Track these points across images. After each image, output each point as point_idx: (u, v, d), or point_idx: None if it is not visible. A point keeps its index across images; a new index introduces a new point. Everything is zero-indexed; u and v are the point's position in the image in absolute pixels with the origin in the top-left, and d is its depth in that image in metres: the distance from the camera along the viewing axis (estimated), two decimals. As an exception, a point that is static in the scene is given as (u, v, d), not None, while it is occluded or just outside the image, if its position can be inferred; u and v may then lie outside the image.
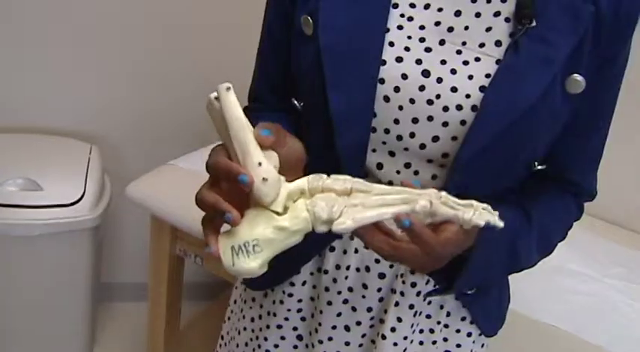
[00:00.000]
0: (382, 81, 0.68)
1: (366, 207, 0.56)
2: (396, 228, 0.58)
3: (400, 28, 0.69)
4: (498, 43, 0.68)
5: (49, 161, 1.68)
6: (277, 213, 0.56)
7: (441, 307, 0.79)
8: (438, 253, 0.59)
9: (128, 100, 1.83)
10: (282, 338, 0.84)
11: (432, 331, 0.80)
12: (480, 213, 0.56)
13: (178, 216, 1.38)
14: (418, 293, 0.76)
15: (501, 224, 0.58)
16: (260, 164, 0.55)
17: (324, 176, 0.58)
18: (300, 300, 0.81)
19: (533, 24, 0.66)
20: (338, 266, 0.77)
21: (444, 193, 0.58)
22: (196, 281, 1.93)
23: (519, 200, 0.72)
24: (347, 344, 0.80)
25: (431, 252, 0.59)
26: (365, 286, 0.77)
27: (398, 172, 0.72)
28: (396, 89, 0.68)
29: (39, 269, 1.65)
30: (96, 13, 1.70)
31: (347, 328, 0.79)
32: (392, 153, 0.70)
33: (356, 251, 0.76)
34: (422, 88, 0.68)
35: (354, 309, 0.79)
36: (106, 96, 1.81)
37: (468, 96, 0.67)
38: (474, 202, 0.58)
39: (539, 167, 0.74)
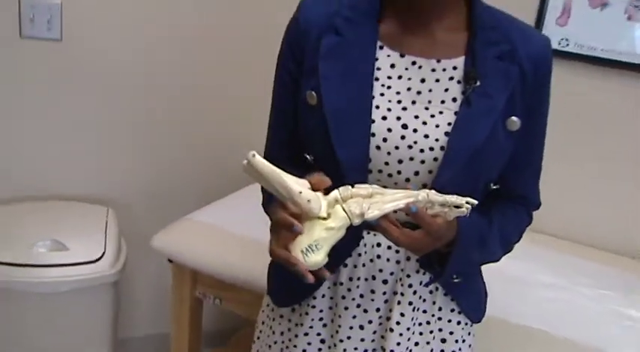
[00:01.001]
0: (373, 134, 0.91)
1: (385, 202, 0.80)
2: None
3: (382, 95, 0.93)
4: (454, 100, 0.93)
5: (73, 223, 1.86)
6: (324, 219, 0.79)
7: (434, 303, 1.00)
8: (434, 232, 0.83)
9: (137, 165, 2.04)
10: (309, 343, 1.04)
11: (428, 322, 1.01)
12: (458, 205, 0.83)
13: (198, 261, 1.58)
14: (415, 293, 0.98)
15: (469, 209, 0.83)
16: (300, 192, 0.78)
17: (349, 187, 0.82)
18: (321, 310, 1.02)
19: (478, 84, 0.91)
20: (350, 279, 0.99)
21: (432, 190, 0.83)
22: (212, 328, 2.09)
23: (483, 210, 0.95)
24: (362, 340, 1.00)
25: (430, 231, 0.83)
26: (373, 291, 0.99)
27: None
28: (384, 140, 0.92)
29: (64, 324, 1.79)
30: (103, 88, 1.92)
31: (361, 327, 1.00)
32: (384, 187, 0.93)
33: (363, 265, 0.98)
34: (403, 137, 0.91)
35: (365, 311, 1.00)
36: (117, 163, 2.01)
37: (437, 140, 0.91)
38: (455, 196, 0.84)
39: (494, 187, 0.98)
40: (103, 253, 1.78)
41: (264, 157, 0.83)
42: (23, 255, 1.69)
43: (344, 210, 0.80)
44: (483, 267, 1.08)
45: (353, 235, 0.91)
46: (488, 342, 1.16)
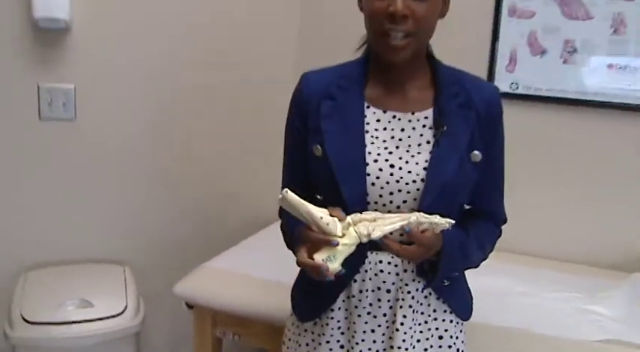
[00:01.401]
0: (368, 174, 1.17)
1: (385, 225, 1.05)
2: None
3: (372, 143, 1.19)
4: (428, 142, 1.19)
5: (96, 282, 2.05)
6: (340, 237, 1.04)
7: (429, 305, 1.23)
8: (425, 245, 1.08)
9: (147, 226, 2.25)
10: (330, 349, 1.25)
11: (426, 322, 1.24)
12: (441, 223, 1.08)
13: (217, 302, 1.78)
14: (413, 298, 1.21)
15: (451, 224, 1.08)
16: (321, 217, 1.03)
17: (359, 213, 1.07)
18: (338, 320, 1.24)
19: (445, 128, 1.18)
20: (360, 291, 1.22)
21: (421, 213, 1.07)
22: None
23: (461, 225, 1.20)
24: (374, 341, 1.22)
25: (421, 244, 1.07)
26: (379, 300, 1.22)
27: None
28: (377, 178, 1.17)
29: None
30: (114, 159, 2.15)
31: (372, 330, 1.22)
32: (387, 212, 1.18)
33: (370, 279, 1.21)
34: (391, 174, 1.17)
35: (375, 317, 1.22)
36: (129, 226, 2.21)
37: (417, 174, 1.17)
38: (437, 216, 1.08)
39: (467, 207, 1.24)
40: (125, 307, 1.95)
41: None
42: (54, 314, 1.86)
43: (355, 231, 1.05)
44: (470, 281, 1.33)
45: (360, 255, 1.16)
46: (475, 343, 1.38)
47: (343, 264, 1.05)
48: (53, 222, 2.10)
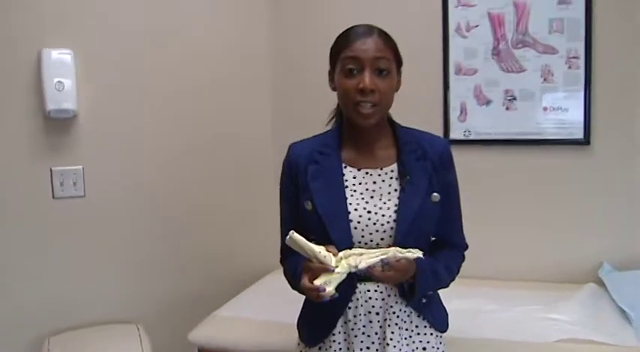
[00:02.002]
0: (351, 220, 1.46)
1: (370, 258, 1.33)
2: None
3: (352, 195, 1.48)
4: (395, 190, 1.49)
5: (114, 343, 2.23)
6: (334, 267, 1.32)
7: (411, 322, 1.50)
8: (401, 270, 1.36)
9: (152, 286, 2.46)
10: None
11: (411, 337, 1.50)
12: (413, 253, 1.36)
13: (229, 345, 2.02)
14: (398, 317, 1.48)
15: (421, 255, 1.36)
16: (320, 252, 1.32)
17: (348, 250, 1.36)
18: (339, 342, 1.50)
19: (408, 178, 1.48)
20: (354, 316, 1.48)
21: (397, 248, 1.36)
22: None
23: (431, 253, 1.49)
24: None
25: (397, 270, 1.36)
26: (370, 321, 1.48)
27: None
28: (358, 222, 1.46)
29: None
30: (120, 228, 2.40)
31: (367, 347, 1.48)
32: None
33: (361, 305, 1.47)
34: (369, 219, 1.46)
35: (368, 336, 1.48)
36: (137, 288, 2.42)
37: (390, 216, 1.46)
38: (412, 250, 1.36)
39: (433, 239, 1.53)
40: (143, 360, 2.17)
41: (283, 248, 1.38)
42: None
43: (346, 263, 1.33)
44: (447, 303, 1.61)
45: (351, 285, 1.44)
46: (456, 354, 1.65)
47: (337, 289, 1.33)
48: (69, 290, 2.30)
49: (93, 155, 2.31)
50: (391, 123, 1.57)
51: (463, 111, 2.50)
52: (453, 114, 2.51)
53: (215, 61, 2.59)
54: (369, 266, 1.34)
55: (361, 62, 1.43)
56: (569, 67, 2.36)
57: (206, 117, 2.58)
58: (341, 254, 1.36)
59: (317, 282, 1.32)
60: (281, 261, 1.62)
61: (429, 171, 1.49)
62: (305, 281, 1.35)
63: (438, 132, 2.50)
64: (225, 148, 2.64)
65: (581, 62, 2.34)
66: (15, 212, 2.19)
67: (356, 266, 1.33)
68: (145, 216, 2.44)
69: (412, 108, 2.40)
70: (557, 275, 2.41)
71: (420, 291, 1.45)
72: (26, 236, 2.22)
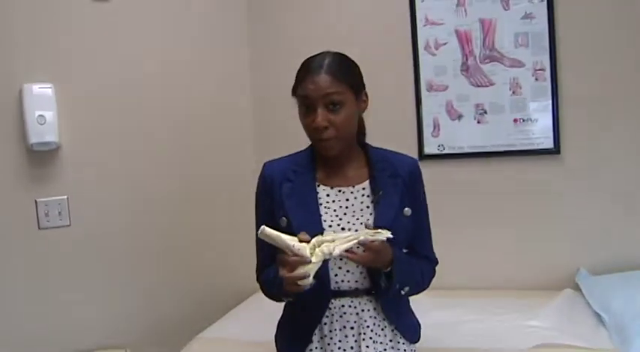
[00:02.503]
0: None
1: (342, 243, 1.35)
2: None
3: (326, 213, 1.53)
4: (368, 207, 1.54)
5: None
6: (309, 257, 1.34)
7: (385, 335, 1.55)
8: (375, 249, 1.38)
9: (141, 310, 2.50)
10: None
11: (385, 349, 1.55)
12: (382, 234, 1.38)
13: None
14: (372, 330, 1.52)
15: (390, 234, 1.38)
16: (293, 245, 1.35)
17: (320, 236, 1.38)
18: None
19: (381, 193, 1.53)
20: (330, 331, 1.53)
21: (368, 230, 1.38)
22: None
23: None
24: None
25: (376, 251, 1.38)
26: (346, 336, 1.53)
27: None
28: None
29: None
30: (105, 257, 2.44)
31: None
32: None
33: (336, 320, 1.52)
34: (342, 229, 1.51)
35: (344, 350, 1.53)
36: (125, 312, 2.46)
37: (361, 226, 1.50)
38: (381, 230, 1.39)
39: (405, 251, 1.58)
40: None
41: (259, 266, 1.42)
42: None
43: (320, 251, 1.35)
44: (426, 316, 1.64)
45: (325, 300, 1.49)
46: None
47: (315, 277, 1.35)
48: (58, 318, 2.32)
49: (77, 185, 2.35)
50: (363, 144, 1.64)
51: (436, 126, 2.57)
52: (427, 130, 2.58)
53: (197, 90, 2.66)
54: (344, 251, 1.36)
55: (312, 101, 1.48)
56: (536, 79, 2.44)
57: (189, 144, 2.64)
58: (314, 240, 1.37)
59: (296, 272, 1.34)
60: (257, 279, 1.66)
61: (400, 188, 1.55)
62: (284, 271, 1.36)
63: (413, 147, 2.57)
64: (209, 173, 2.70)
65: (547, 74, 2.42)
66: (1, 243, 2.23)
67: (330, 254, 1.35)
68: (130, 242, 2.48)
69: (386, 125, 2.48)
70: (535, 283, 2.47)
71: (398, 277, 1.47)
72: (10, 266, 2.25)
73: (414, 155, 2.55)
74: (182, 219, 2.63)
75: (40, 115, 2.22)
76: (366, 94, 1.59)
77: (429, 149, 2.57)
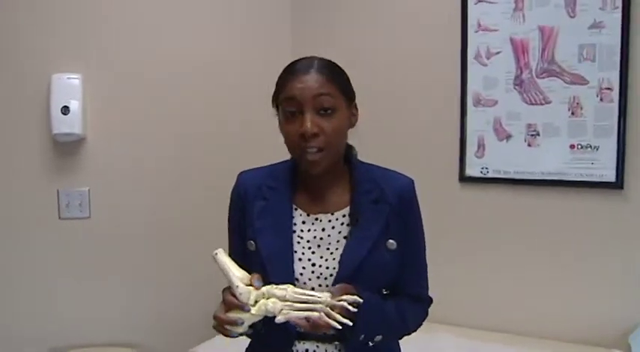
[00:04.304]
0: (293, 271, 1.31)
1: (292, 310, 1.19)
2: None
3: (299, 243, 1.34)
4: (345, 237, 1.33)
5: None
6: (252, 305, 1.20)
7: None
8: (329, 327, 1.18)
9: (150, 311, 2.45)
10: None
11: None
12: (343, 319, 1.19)
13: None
14: None
15: (359, 302, 1.19)
16: (237, 286, 1.21)
17: (274, 286, 1.22)
18: None
19: (358, 222, 1.32)
20: None
21: (330, 302, 1.19)
22: None
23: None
24: None
25: (324, 327, 1.18)
26: None
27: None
28: (301, 274, 1.31)
29: None
30: (122, 250, 2.42)
31: None
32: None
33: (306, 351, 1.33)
34: (312, 272, 1.31)
35: None
36: (135, 311, 2.42)
37: (334, 268, 1.30)
38: (342, 318, 1.19)
39: (386, 292, 1.36)
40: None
41: None
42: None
43: (264, 305, 1.20)
44: None
45: (287, 343, 1.32)
46: None
47: (251, 326, 1.24)
48: (72, 310, 2.34)
49: (99, 177, 2.35)
50: (349, 160, 1.42)
51: (481, 146, 2.28)
52: (470, 150, 2.30)
53: (227, 88, 2.57)
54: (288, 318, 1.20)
55: (300, 103, 1.29)
56: (601, 100, 2.09)
57: (214, 143, 2.55)
58: (264, 289, 1.23)
59: (230, 315, 1.22)
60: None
61: (385, 215, 1.33)
62: (218, 310, 1.24)
63: (454, 168, 2.30)
64: (234, 170, 2.58)
65: (615, 94, 2.06)
66: (22, 231, 2.27)
67: (273, 315, 1.20)
68: (148, 238, 2.45)
69: (425, 141, 2.26)
70: (580, 336, 2.12)
71: (363, 328, 1.26)
72: (31, 254, 2.29)
73: (454, 176, 2.30)
74: (206, 218, 2.54)
75: (65, 106, 2.23)
76: (356, 107, 1.38)
77: (471, 171, 2.29)
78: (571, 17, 2.12)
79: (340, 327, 1.19)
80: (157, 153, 2.44)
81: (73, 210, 2.34)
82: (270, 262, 1.32)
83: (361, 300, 1.21)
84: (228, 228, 1.49)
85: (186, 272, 2.52)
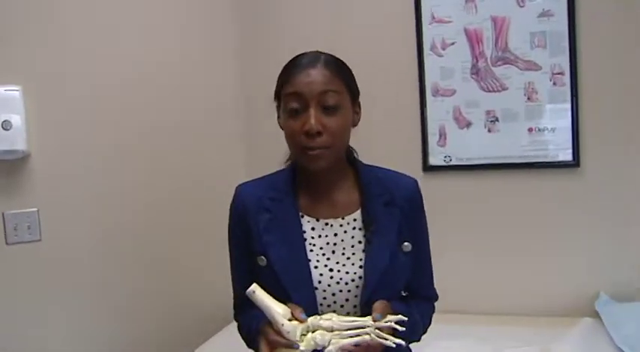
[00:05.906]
0: (313, 280, 1.27)
1: (341, 337, 1.15)
2: None
3: (311, 251, 1.30)
4: (360, 242, 1.31)
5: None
6: (299, 341, 1.13)
7: None
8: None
9: (123, 325, 2.31)
10: None
11: None
12: (392, 341, 1.17)
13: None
14: None
15: (402, 342, 1.16)
16: (283, 325, 1.14)
17: (319, 317, 1.17)
18: None
19: (373, 227, 1.30)
20: None
21: (377, 325, 1.16)
22: None
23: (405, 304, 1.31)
24: None
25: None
26: None
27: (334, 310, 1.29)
28: (319, 282, 1.28)
29: None
30: (79, 272, 2.25)
31: None
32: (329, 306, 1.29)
33: None
34: (331, 278, 1.28)
35: None
36: (105, 329, 2.28)
37: (355, 273, 1.28)
38: (391, 338, 1.17)
39: (405, 294, 1.36)
40: None
41: (236, 302, 1.26)
42: None
43: (313, 339, 1.15)
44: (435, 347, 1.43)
45: None
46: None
47: None
48: (27, 337, 2.15)
49: (48, 196, 2.17)
50: (352, 161, 1.39)
51: (442, 135, 2.34)
52: (432, 139, 2.35)
53: (180, 95, 2.46)
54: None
55: (305, 99, 1.24)
56: (554, 84, 2.21)
57: (170, 155, 2.43)
58: (309, 321, 1.17)
59: None
60: (235, 317, 1.45)
61: (398, 219, 1.32)
62: (265, 349, 1.17)
63: (417, 158, 2.35)
64: (191, 185, 2.50)
65: (567, 78, 2.18)
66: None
67: (323, 347, 1.15)
68: (106, 258, 2.29)
69: (387, 133, 2.28)
70: (551, 309, 2.24)
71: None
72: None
73: (418, 166, 2.34)
74: (164, 237, 2.43)
75: (6, 120, 2.03)
76: (359, 105, 1.36)
77: (434, 160, 2.34)
78: (521, 7, 2.22)
79: (394, 346, 1.17)
80: (108, 166, 2.28)
81: (22, 233, 2.14)
82: (286, 274, 1.28)
83: (406, 318, 1.19)
84: (230, 244, 1.42)
85: (148, 293, 2.39)
